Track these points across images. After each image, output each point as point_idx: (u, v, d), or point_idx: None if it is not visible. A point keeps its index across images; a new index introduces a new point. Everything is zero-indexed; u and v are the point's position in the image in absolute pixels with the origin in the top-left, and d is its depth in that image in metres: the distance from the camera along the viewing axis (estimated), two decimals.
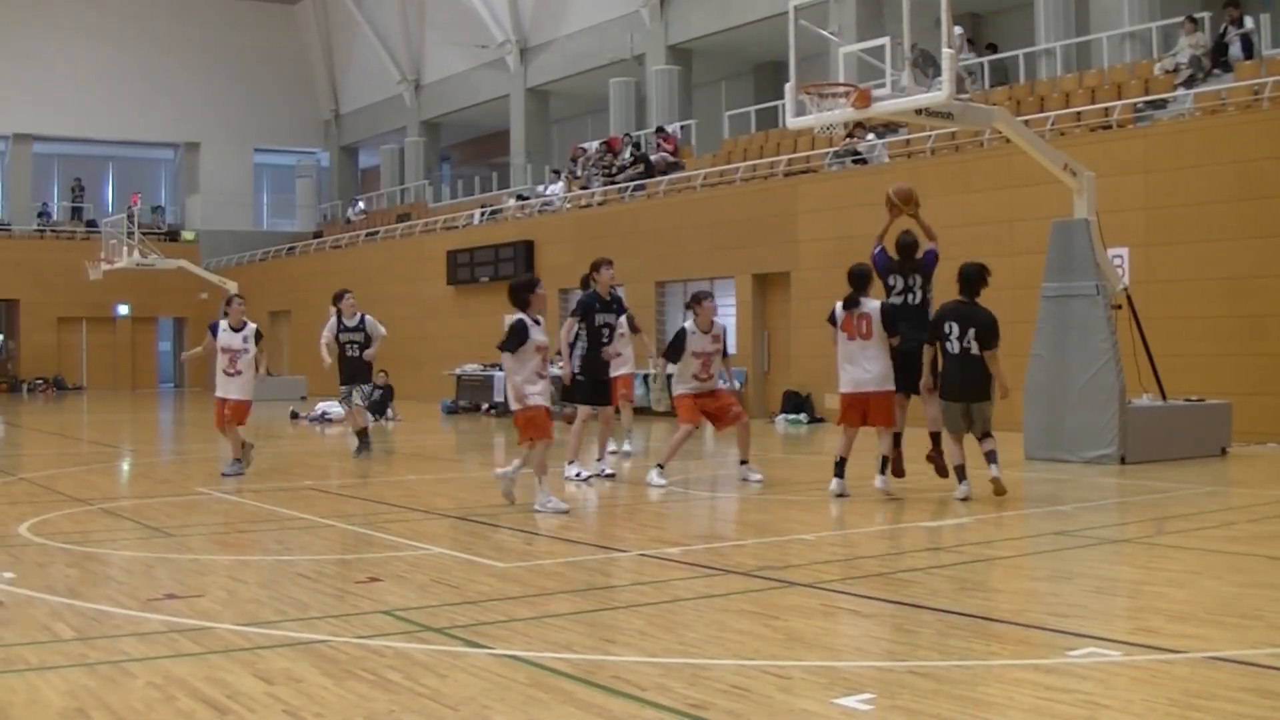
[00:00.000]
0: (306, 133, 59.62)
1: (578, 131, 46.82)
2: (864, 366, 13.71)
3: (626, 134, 39.08)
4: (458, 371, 35.00)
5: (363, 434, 20.45)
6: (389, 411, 30.40)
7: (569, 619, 7.79)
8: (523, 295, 13.32)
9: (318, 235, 53.68)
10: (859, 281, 13.93)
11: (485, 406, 33.13)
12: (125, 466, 19.38)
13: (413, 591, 8.79)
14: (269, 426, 29.27)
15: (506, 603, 8.38)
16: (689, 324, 15.60)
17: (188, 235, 55.54)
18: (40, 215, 55.69)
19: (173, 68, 55.76)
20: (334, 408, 29.80)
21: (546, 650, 6.96)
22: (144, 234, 45.00)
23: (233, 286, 40.94)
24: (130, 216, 43.89)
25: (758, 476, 15.79)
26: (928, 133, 26.17)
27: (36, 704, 6.06)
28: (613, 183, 36.17)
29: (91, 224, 53.61)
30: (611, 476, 16.51)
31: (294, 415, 31.07)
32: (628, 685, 6.24)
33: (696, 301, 15.76)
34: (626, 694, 6.09)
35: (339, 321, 20.32)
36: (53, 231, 54.92)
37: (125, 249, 42.19)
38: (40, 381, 51.13)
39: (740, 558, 10.04)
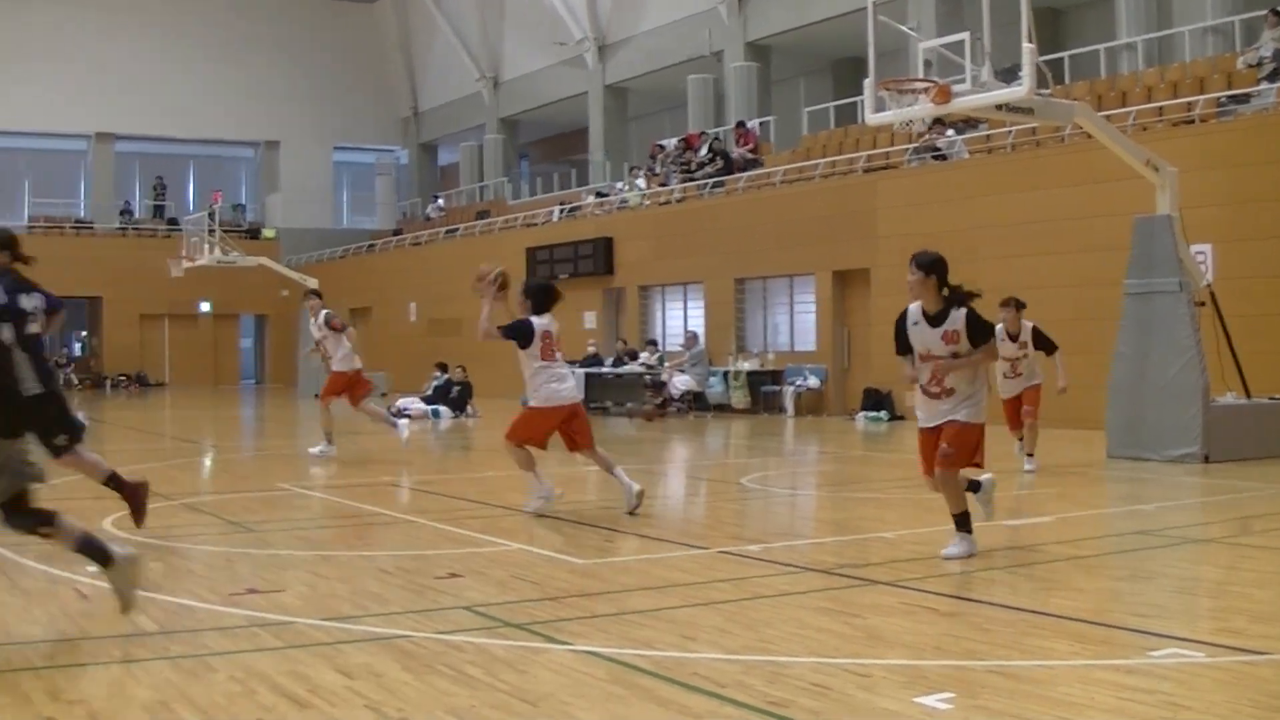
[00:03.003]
0: (386, 130, 59.90)
1: (655, 128, 46.79)
2: None
3: (704, 131, 39.04)
4: None
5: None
6: (468, 408, 30.50)
7: (648, 615, 7.78)
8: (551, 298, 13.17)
9: (397, 232, 53.91)
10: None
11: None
12: (207, 462, 19.51)
13: (493, 587, 8.81)
14: (349, 422, 29.38)
15: (586, 599, 8.39)
16: (999, 328, 15.48)
17: (268, 233, 55.88)
18: (123, 214, 56.22)
19: (253, 67, 56.16)
20: (414, 404, 29.95)
21: (626, 646, 6.95)
22: (225, 232, 45.32)
23: (313, 283, 41.21)
24: (212, 214, 44.24)
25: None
26: (1008, 128, 26.00)
27: (120, 697, 6.11)
28: (691, 179, 36.13)
29: (173, 222, 54.06)
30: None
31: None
32: (707, 682, 6.22)
33: (1004, 306, 15.80)
34: (706, 691, 6.08)
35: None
36: (135, 230, 55.43)
37: (207, 247, 42.51)
38: (124, 378, 51.63)
39: (820, 555, 10.01)
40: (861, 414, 28.05)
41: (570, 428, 13.02)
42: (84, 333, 55.44)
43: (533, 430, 12.98)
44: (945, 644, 7.15)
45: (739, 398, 30.30)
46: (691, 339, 31.72)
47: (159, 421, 31.99)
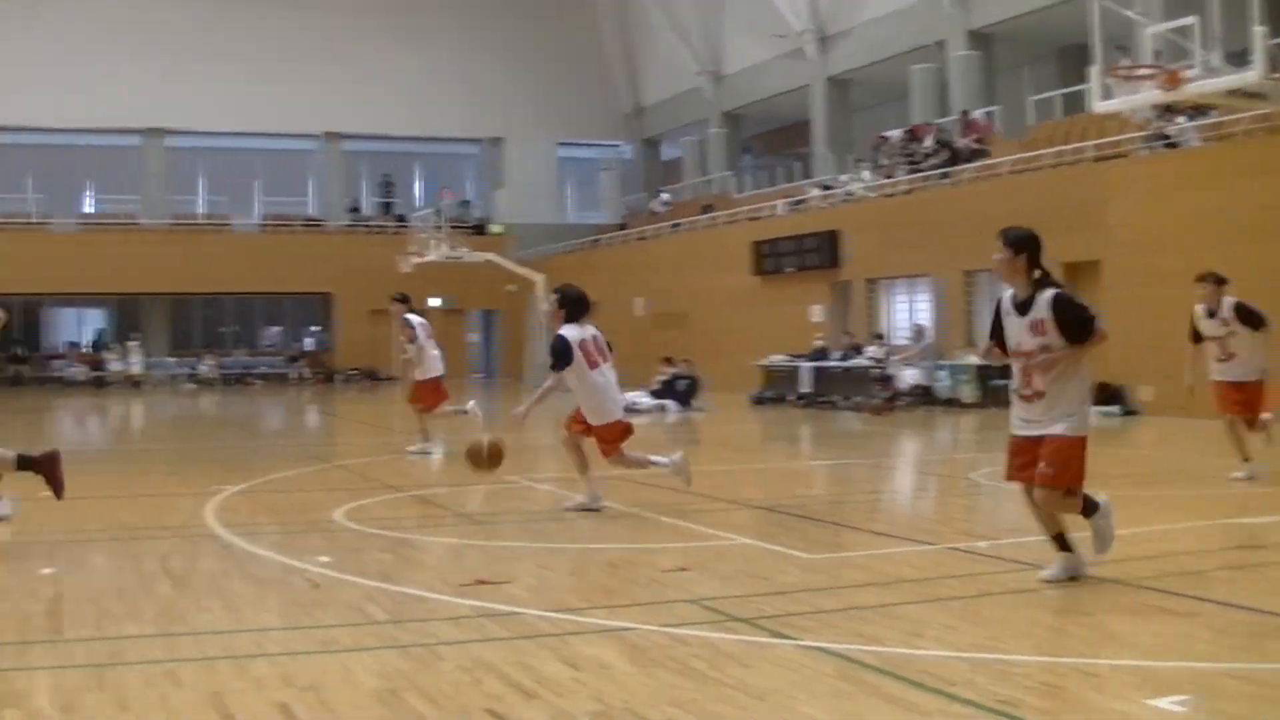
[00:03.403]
0: (609, 126, 60.22)
1: (878, 119, 46.32)
2: None
3: (927, 121, 38.62)
4: (764, 362, 35.02)
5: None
6: (695, 402, 30.55)
7: (876, 611, 7.71)
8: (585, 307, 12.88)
9: (622, 227, 54.19)
10: None
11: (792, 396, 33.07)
12: (437, 454, 19.82)
13: (719, 581, 8.80)
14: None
15: (813, 594, 8.34)
16: (1199, 307, 14.78)
17: (495, 228, 56.47)
18: (351, 211, 57.35)
19: (478, 65, 56.81)
20: (643, 399, 30.06)
21: (853, 642, 6.90)
22: (452, 228, 45.96)
23: (539, 279, 41.60)
24: (439, 211, 44.86)
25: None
26: (1241, 114, 25.28)
27: (350, 684, 6.22)
28: (917, 171, 35.78)
29: (400, 219, 54.96)
30: None
31: None
32: (935, 680, 6.14)
33: (1200, 281, 14.88)
34: (934, 689, 6.00)
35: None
36: (364, 227, 56.51)
37: (435, 243, 43.15)
38: (354, 372, 52.64)
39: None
40: (1095, 409, 27.45)
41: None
42: (316, 328, 56.61)
43: (619, 437, 12.77)
44: (1180, 645, 6.97)
45: (967, 391, 29.91)
46: (918, 332, 31.40)
47: (389, 415, 32.55)
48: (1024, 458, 8.54)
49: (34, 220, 53.17)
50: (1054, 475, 8.35)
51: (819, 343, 34.22)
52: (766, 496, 13.92)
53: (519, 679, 6.24)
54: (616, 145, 61.11)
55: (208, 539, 10.89)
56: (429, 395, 19.69)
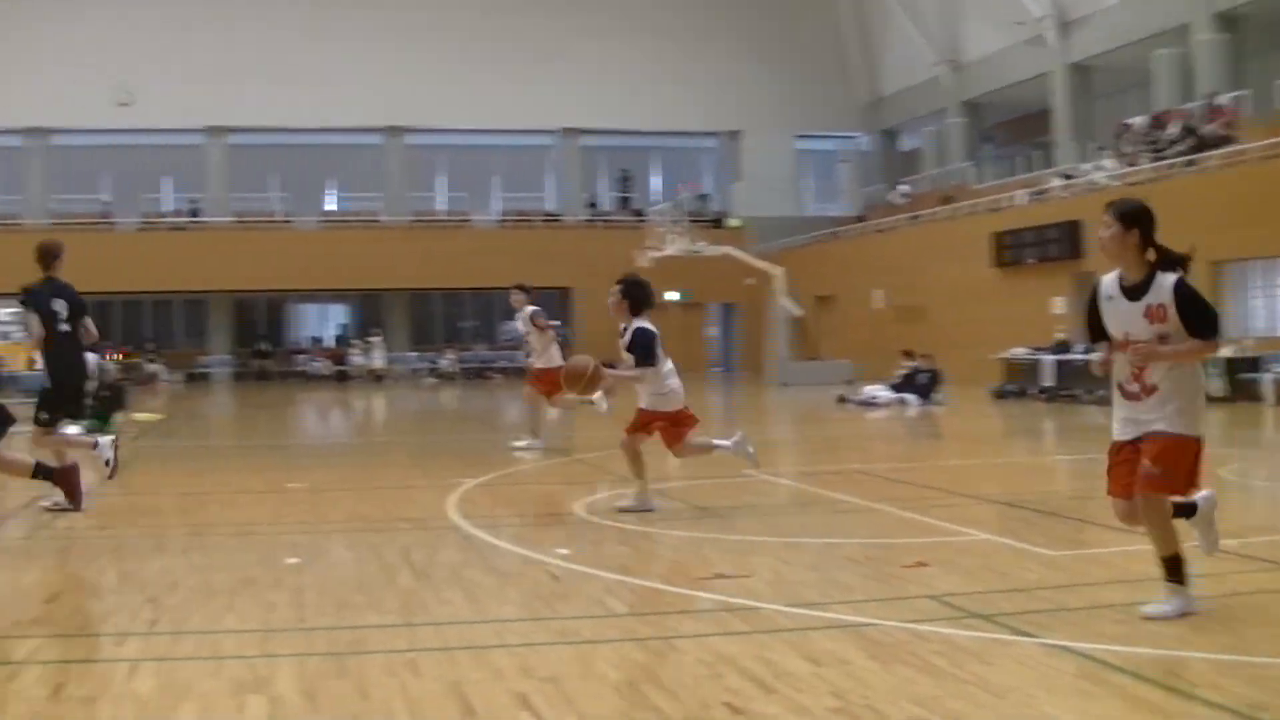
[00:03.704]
0: (846, 117, 59.78)
1: (1120, 106, 45.29)
2: None
3: (1173, 108, 37.68)
4: (1005, 355, 34.52)
5: None
6: (936, 395, 30.23)
7: (1120, 610, 7.51)
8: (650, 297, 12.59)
9: (860, 219, 53.88)
10: None
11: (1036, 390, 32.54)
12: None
13: (960, 577, 8.69)
14: (814, 410, 29.58)
15: (1055, 591, 8.18)
16: None
17: (733, 222, 56.48)
18: (589, 206, 57.83)
19: (715, 58, 56.83)
20: (882, 392, 29.85)
21: (1097, 642, 6.75)
22: (690, 222, 46.09)
23: (777, 272, 41.57)
24: (677, 205, 44.99)
25: None
26: None
27: (589, 676, 6.27)
28: (1161, 158, 34.93)
29: (638, 213, 55.24)
30: None
31: (841, 399, 31.17)
32: (1181, 682, 6.00)
33: None
34: (1180, 691, 5.86)
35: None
36: (602, 221, 56.95)
37: (673, 237, 43.30)
38: None
39: None
40: None
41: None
42: (555, 322, 57.16)
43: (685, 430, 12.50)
44: None
45: (1216, 385, 29.14)
46: None
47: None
48: (1128, 466, 7.45)
49: (278, 219, 54.66)
50: (1161, 477, 7.27)
51: (1061, 335, 33.61)
52: (1008, 491, 13.71)
53: (758, 673, 6.23)
54: (854, 136, 60.68)
55: (448, 531, 11.07)
56: (553, 383, 19.79)
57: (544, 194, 59.03)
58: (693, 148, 60.79)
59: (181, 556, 9.92)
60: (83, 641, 7.23)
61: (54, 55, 51.74)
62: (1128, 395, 7.47)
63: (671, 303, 53.32)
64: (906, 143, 60.15)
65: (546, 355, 19.53)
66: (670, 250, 42.87)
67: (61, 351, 13.00)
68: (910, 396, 30.07)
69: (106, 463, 13.54)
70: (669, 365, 12.44)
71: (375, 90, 53.47)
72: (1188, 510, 7.68)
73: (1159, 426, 7.28)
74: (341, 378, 51.21)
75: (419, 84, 53.79)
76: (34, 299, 12.96)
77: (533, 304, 19.88)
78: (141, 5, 52.73)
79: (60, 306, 12.96)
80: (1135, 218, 7.39)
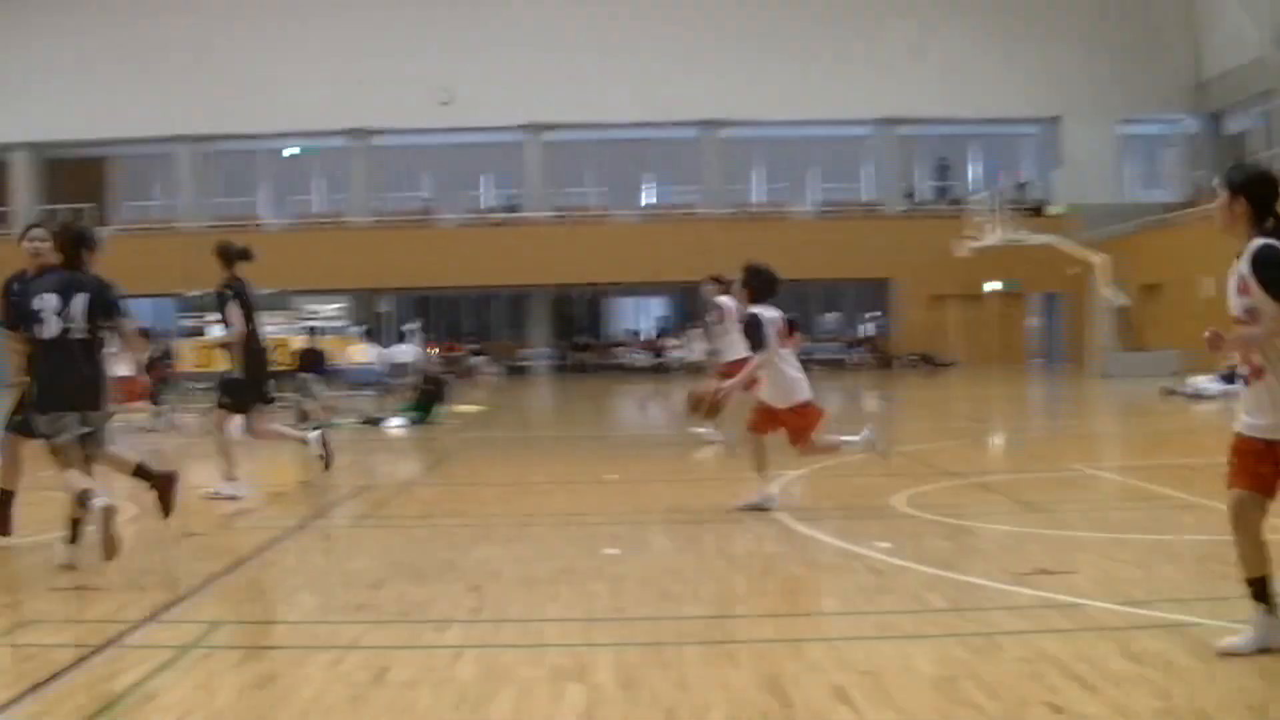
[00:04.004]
0: (1169, 99, 57.99)
1: None
2: None
3: None
4: None
5: None
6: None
7: None
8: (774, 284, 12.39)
9: (1189, 205, 52.30)
10: None
11: None
12: (998, 441, 19.65)
13: None
14: (1139, 402, 28.84)
15: None
16: None
17: (1054, 209, 55.29)
18: (907, 196, 57.27)
19: (1032, 42, 55.64)
20: (1211, 384, 28.90)
21: None
22: (1010, 210, 45.36)
23: (1100, 260, 40.62)
24: (997, 193, 44.28)
25: None
26: None
27: (909, 671, 6.20)
28: None
29: (957, 202, 54.48)
30: None
31: (1167, 391, 30.22)
32: None
33: None
34: None
35: None
36: (920, 211, 56.39)
37: (992, 226, 42.65)
38: (913, 357, 52.59)
39: None
40: None
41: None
42: (875, 313, 56.92)
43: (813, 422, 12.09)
44: None
45: None
46: None
47: (947, 400, 32.45)
48: (1246, 461, 6.46)
49: (596, 213, 55.42)
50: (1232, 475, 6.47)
51: None
52: None
53: (1080, 671, 6.08)
54: (1179, 120, 58.89)
55: (767, 522, 11.05)
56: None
57: (861, 184, 58.66)
58: (1012, 135, 59.73)
59: (503, 546, 10.12)
60: (406, 628, 7.40)
61: (375, 58, 53.38)
62: (1244, 380, 6.60)
63: (992, 293, 52.60)
64: (1233, 125, 58.15)
65: (729, 349, 19.22)
66: (990, 240, 42.23)
67: (250, 345, 13.66)
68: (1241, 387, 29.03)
69: (320, 457, 13.97)
70: (789, 356, 12.16)
71: (691, 84, 53.74)
72: None
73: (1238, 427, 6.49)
74: (660, 370, 51.68)
75: (734, 77, 53.91)
76: (237, 295, 13.53)
77: (724, 295, 19.49)
78: (460, 5, 54.02)
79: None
80: (1244, 185, 6.46)
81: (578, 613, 7.77)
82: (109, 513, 8.78)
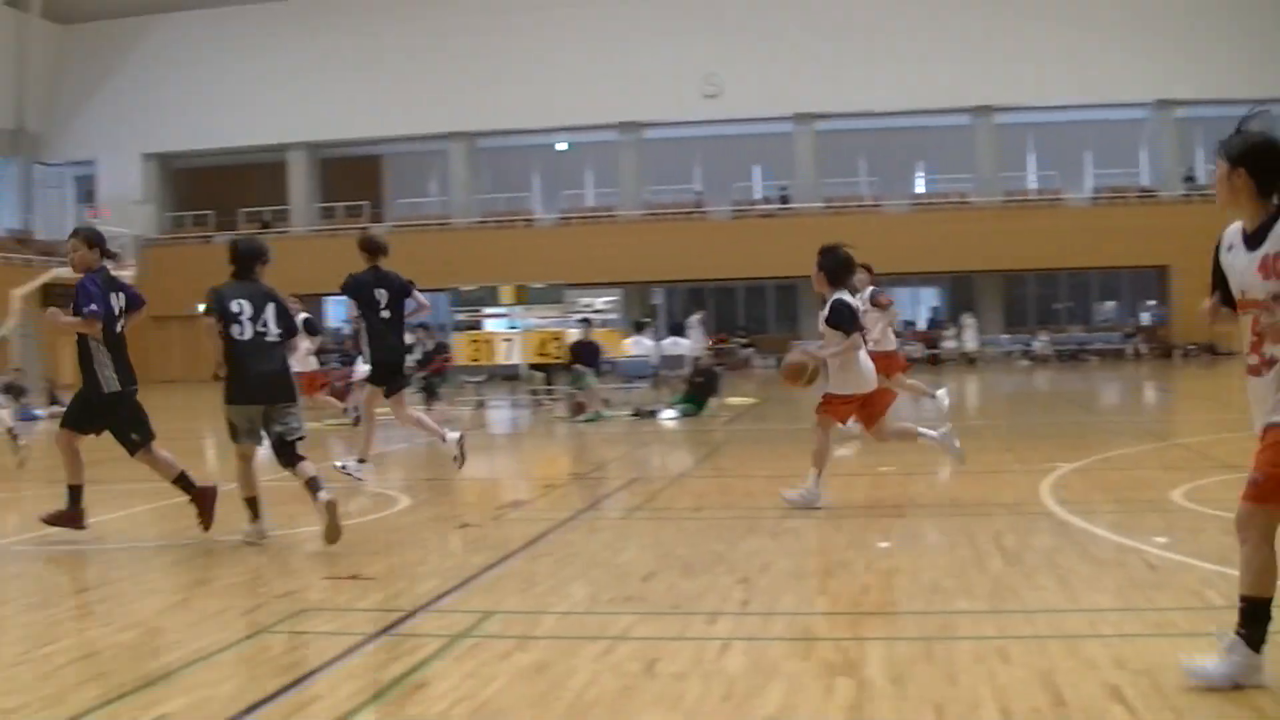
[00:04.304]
0: None
1: None
2: None
3: None
4: None
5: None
6: None
7: None
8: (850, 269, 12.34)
9: None
10: None
11: None
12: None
13: None
14: None
15: None
16: None
17: None
18: (1186, 180, 55.68)
19: None
20: None
21: None
22: None
23: None
24: None
25: None
26: None
27: (1176, 670, 6.00)
28: None
29: None
30: None
31: None
32: None
33: None
34: None
35: None
36: (1200, 196, 54.76)
37: None
38: (1193, 347, 51.18)
39: None
40: None
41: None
42: (1153, 302, 55.61)
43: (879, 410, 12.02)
44: None
45: None
46: None
47: (1229, 391, 31.55)
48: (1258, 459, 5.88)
49: (868, 203, 55.11)
50: (1265, 485, 5.85)
51: None
52: None
53: None
54: None
55: (1042, 516, 10.88)
56: (885, 366, 19.69)
57: (1139, 169, 57.30)
58: None
59: (772, 539, 10.12)
60: (675, 619, 7.44)
61: (644, 51, 53.81)
62: (1248, 369, 5.95)
63: None
64: None
65: (880, 338, 19.17)
66: None
67: (384, 333, 14.08)
68: None
69: (455, 459, 14.12)
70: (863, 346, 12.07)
71: (962, 70, 53.08)
72: None
73: (1275, 417, 5.80)
74: (934, 360, 51.20)
75: (1007, 61, 53.05)
76: (354, 287, 13.99)
77: (874, 285, 19.57)
78: None
79: (381, 295, 13.95)
80: (1245, 156, 5.90)
81: (847, 606, 7.75)
82: (333, 506, 9.91)
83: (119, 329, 10.60)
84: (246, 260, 10.60)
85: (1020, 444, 18.38)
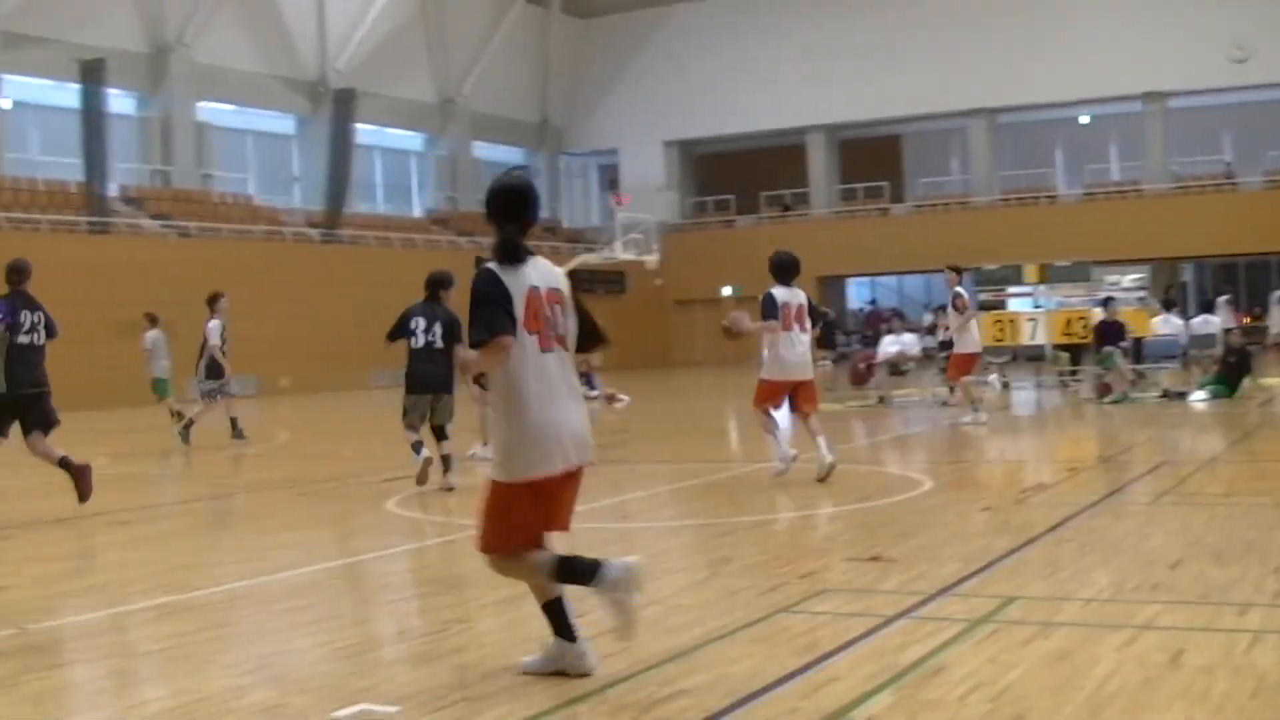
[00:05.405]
0: None
1: None
2: None
3: None
4: None
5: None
6: None
7: None
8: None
9: None
10: None
11: None
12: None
13: None
14: None
15: None
16: None
17: None
18: None
19: None
20: None
21: None
22: None
23: None
24: None
25: None
26: None
27: None
28: None
29: None
30: None
31: None
32: None
33: None
34: None
35: None
36: None
37: None
38: None
39: None
40: None
41: (798, 394, 13.52)
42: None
43: (768, 397, 13.52)
44: None
45: None
46: None
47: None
48: None
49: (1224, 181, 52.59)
50: None
51: None
52: None
53: None
54: None
55: None
56: (964, 366, 20.47)
57: None
58: None
59: None
60: (1204, 609, 7.24)
61: (1166, 17, 51.91)
62: None
63: None
64: None
65: (963, 339, 20.11)
66: None
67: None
68: None
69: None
70: (790, 339, 13.28)
71: None
72: None
73: None
74: None
75: None
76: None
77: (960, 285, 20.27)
78: None
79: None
80: None
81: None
82: (428, 463, 13.27)
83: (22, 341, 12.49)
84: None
85: None
